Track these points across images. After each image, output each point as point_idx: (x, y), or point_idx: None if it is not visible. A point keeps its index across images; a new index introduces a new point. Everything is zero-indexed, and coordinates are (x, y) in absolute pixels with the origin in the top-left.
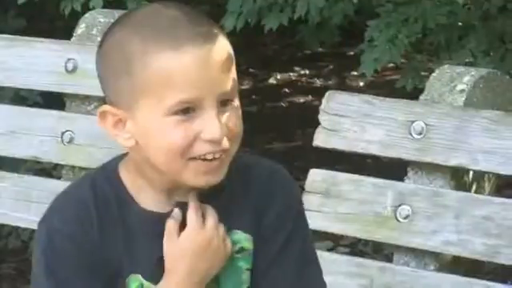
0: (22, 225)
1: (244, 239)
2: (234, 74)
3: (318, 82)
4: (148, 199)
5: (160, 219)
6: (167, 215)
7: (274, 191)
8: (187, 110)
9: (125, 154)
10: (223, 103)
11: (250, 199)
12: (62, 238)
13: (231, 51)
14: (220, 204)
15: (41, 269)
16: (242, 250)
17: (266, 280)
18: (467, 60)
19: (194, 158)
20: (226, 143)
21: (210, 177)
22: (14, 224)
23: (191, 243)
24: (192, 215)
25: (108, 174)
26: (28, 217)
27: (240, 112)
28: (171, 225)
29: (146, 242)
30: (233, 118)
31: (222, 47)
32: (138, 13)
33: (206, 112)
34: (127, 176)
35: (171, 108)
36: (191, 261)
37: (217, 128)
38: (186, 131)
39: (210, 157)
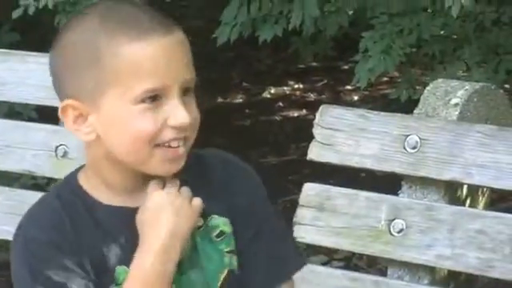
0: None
1: (222, 223)
2: (191, 63)
3: (312, 96)
4: (110, 197)
5: (128, 211)
6: (133, 209)
7: (235, 176)
8: (154, 98)
9: (82, 166)
10: (184, 91)
11: (216, 185)
12: (40, 245)
13: (187, 41)
14: (192, 188)
15: (26, 279)
16: (221, 233)
17: (247, 260)
18: (462, 72)
19: (159, 145)
20: (188, 131)
21: (173, 165)
22: (4, 238)
23: (153, 204)
24: (154, 185)
25: (69, 185)
26: None
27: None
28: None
29: (123, 235)
30: (193, 106)
31: (182, 37)
32: (96, 9)
33: (172, 99)
34: (86, 182)
35: (139, 96)
36: (156, 222)
37: (184, 114)
38: (155, 118)
39: (175, 144)
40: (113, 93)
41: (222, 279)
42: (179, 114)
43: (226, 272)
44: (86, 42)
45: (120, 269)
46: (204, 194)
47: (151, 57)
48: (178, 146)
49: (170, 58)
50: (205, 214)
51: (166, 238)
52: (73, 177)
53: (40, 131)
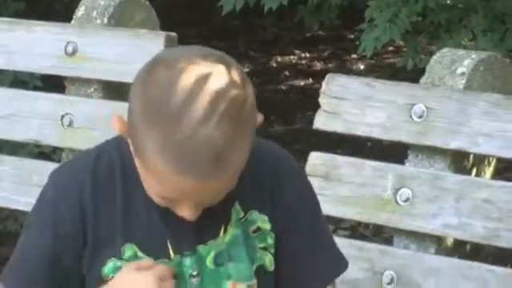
0: (21, 208)
1: (260, 219)
2: (223, 192)
3: (318, 65)
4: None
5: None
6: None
7: (285, 174)
8: None
9: None
10: None
11: (264, 181)
12: (47, 201)
13: (233, 181)
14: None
15: (29, 220)
16: (258, 229)
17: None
18: (468, 40)
19: None
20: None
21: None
22: (12, 207)
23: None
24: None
25: (119, 146)
26: (27, 200)
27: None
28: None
29: (146, 219)
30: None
31: (225, 181)
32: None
33: (181, 204)
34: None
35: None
36: None
37: (188, 215)
38: (164, 201)
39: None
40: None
41: (253, 271)
42: (183, 213)
43: (255, 266)
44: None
45: (129, 246)
46: (248, 186)
47: (173, 183)
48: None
49: (192, 194)
50: (245, 208)
51: None
52: (124, 141)
53: (46, 100)
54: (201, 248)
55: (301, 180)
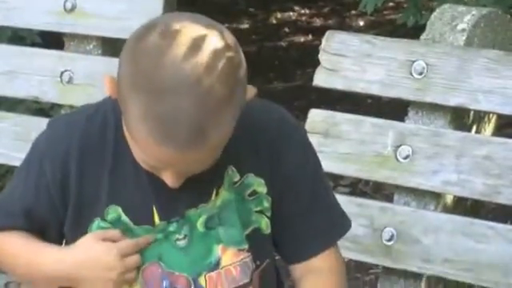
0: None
1: (256, 183)
2: (206, 162)
3: (318, 22)
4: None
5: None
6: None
7: (287, 138)
8: None
9: None
10: None
11: (264, 144)
12: (37, 151)
13: (216, 153)
14: (229, 148)
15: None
16: (254, 193)
17: (284, 224)
18: None
19: None
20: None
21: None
22: (11, 164)
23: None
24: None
25: (116, 106)
26: None
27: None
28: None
29: (134, 182)
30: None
31: (205, 154)
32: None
33: (164, 172)
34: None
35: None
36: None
37: (172, 182)
38: (148, 167)
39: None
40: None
41: (244, 236)
42: (167, 181)
43: (251, 229)
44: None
45: (113, 208)
46: (244, 150)
47: (155, 152)
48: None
49: (174, 162)
50: (241, 171)
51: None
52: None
53: (45, 57)
54: (191, 212)
55: (301, 144)
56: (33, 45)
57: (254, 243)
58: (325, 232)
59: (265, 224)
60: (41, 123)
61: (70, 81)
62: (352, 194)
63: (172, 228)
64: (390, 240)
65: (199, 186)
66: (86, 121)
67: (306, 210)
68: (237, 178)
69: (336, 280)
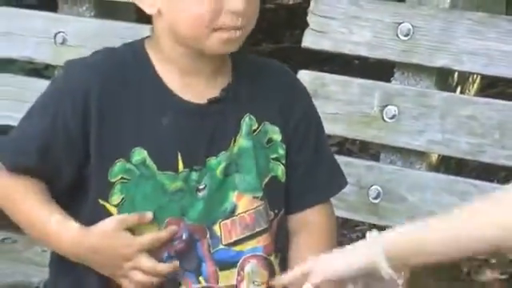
0: (13, 123)
1: (272, 130)
2: None
3: None
4: (168, 76)
5: (186, 106)
6: (197, 106)
7: (294, 89)
8: None
9: (148, 36)
10: None
11: (274, 92)
12: (55, 90)
13: None
14: (245, 97)
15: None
16: (270, 140)
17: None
18: None
19: (218, 29)
20: (244, 19)
21: (228, 46)
22: (5, 123)
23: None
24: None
25: (134, 48)
26: (19, 116)
27: None
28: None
29: (159, 126)
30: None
31: None
32: None
33: None
34: (152, 52)
35: None
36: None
37: (240, 2)
38: (213, 4)
39: (231, 28)
40: None
41: (263, 184)
42: (236, 1)
43: (269, 177)
44: None
45: (138, 150)
46: (259, 98)
47: None
48: (235, 30)
49: None
50: (259, 119)
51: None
52: (139, 43)
53: (40, 18)
54: (212, 160)
55: (307, 96)
56: (28, 7)
57: (271, 192)
58: (324, 185)
59: (281, 172)
60: (35, 83)
61: (63, 42)
62: (339, 153)
63: (194, 177)
64: (376, 198)
65: (218, 134)
66: (104, 62)
67: (309, 160)
68: (255, 126)
69: (326, 238)
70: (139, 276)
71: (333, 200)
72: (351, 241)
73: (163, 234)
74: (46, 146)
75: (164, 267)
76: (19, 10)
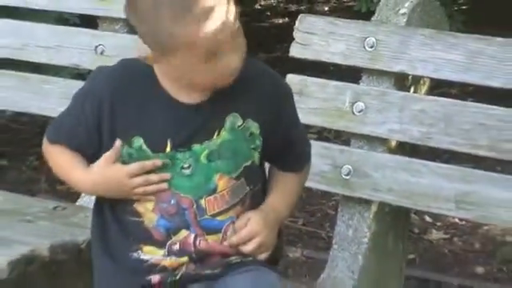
0: None
1: (253, 126)
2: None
3: (293, 7)
4: (173, 89)
5: (179, 105)
6: (188, 105)
7: (269, 84)
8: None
9: None
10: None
11: (255, 92)
12: (82, 91)
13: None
14: (233, 97)
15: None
16: (251, 134)
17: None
18: None
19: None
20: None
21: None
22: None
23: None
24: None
25: (145, 61)
26: None
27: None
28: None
29: (157, 120)
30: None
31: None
32: None
33: (227, 53)
34: (156, 68)
35: (205, 56)
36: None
37: (237, 63)
38: (214, 73)
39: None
40: (182, 54)
41: (243, 167)
42: (234, 63)
43: (249, 162)
44: (152, 10)
45: (137, 138)
46: (247, 99)
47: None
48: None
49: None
50: (244, 117)
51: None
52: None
53: (84, 34)
54: (197, 146)
55: (281, 88)
56: (74, 25)
57: (249, 172)
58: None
59: (257, 158)
60: (80, 85)
61: (102, 53)
62: (319, 139)
63: (179, 156)
64: (347, 175)
65: (204, 127)
66: (123, 68)
67: (282, 141)
68: (240, 122)
69: (299, 181)
70: (140, 190)
71: (315, 176)
72: (329, 208)
73: (148, 163)
74: (72, 132)
75: (149, 163)
76: (68, 27)
